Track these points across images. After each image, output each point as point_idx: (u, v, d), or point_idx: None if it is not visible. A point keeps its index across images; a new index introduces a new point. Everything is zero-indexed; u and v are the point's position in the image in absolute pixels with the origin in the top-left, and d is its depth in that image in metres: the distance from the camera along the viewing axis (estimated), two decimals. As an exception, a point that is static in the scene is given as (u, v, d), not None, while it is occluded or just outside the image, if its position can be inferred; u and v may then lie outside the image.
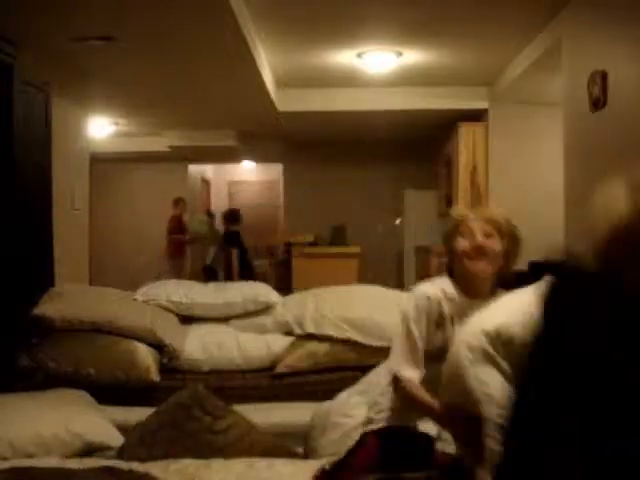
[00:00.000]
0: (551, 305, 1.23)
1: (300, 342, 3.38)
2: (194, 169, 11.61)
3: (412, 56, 6.13)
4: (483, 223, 2.06)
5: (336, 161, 10.22)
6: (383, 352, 3.15)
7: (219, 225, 10.05)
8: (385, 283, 4.31)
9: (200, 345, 3.38)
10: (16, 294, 3.52)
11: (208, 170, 12.86)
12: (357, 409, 2.53)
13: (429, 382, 1.97)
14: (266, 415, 2.88)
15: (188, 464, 2.18)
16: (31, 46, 4.40)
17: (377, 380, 2.69)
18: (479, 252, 2.03)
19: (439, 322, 2.06)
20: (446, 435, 1.98)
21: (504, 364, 1.57)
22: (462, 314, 1.99)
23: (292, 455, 2.43)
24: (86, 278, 5.74)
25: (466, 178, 7.62)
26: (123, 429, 2.57)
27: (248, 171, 13.33)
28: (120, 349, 3.18)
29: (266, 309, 3.56)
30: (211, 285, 3.88)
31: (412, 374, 2.01)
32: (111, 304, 3.41)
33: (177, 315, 3.57)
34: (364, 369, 2.96)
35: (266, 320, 3.52)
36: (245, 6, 4.67)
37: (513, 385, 1.45)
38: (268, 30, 5.33)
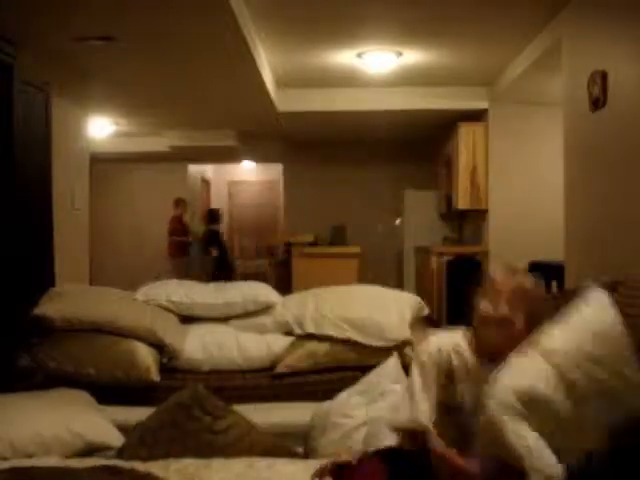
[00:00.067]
0: None
1: (300, 342, 3.38)
2: (194, 169, 11.61)
3: (412, 56, 6.13)
4: (510, 292, 1.98)
5: (336, 161, 10.22)
6: (383, 352, 3.16)
7: (200, 225, 10.13)
8: (385, 283, 4.31)
9: (200, 345, 3.37)
10: (16, 294, 3.52)
11: (208, 170, 12.87)
12: (357, 409, 2.53)
13: (453, 441, 1.94)
14: (266, 415, 2.88)
15: (188, 464, 2.18)
16: (31, 46, 4.40)
17: (377, 380, 2.69)
18: (498, 322, 1.97)
19: (448, 375, 2.02)
20: None
21: (536, 420, 1.68)
22: (471, 374, 2.00)
23: (292, 455, 2.43)
24: (86, 278, 5.74)
25: (466, 178, 7.63)
26: (123, 429, 2.57)
27: (248, 171, 13.33)
28: (120, 349, 3.18)
29: (266, 309, 3.56)
30: (211, 285, 3.88)
31: (427, 406, 1.98)
32: (111, 304, 3.41)
33: (177, 315, 3.57)
34: (364, 369, 2.96)
35: (266, 320, 3.51)
36: (245, 6, 4.67)
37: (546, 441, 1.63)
38: (268, 30, 5.33)
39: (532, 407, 1.68)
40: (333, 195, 10.23)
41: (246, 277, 10.06)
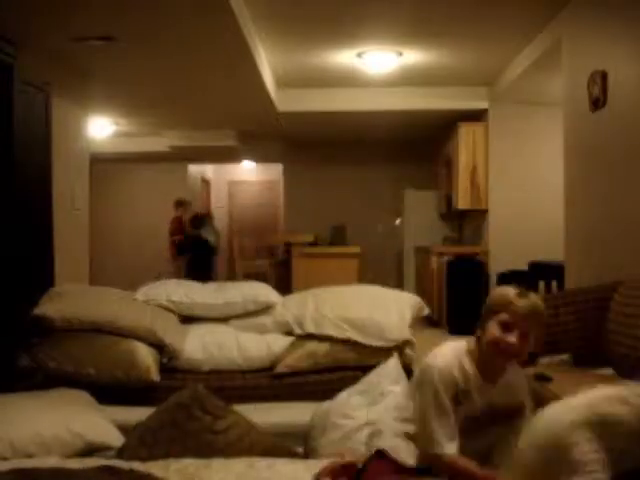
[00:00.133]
0: None
1: (300, 342, 3.38)
2: (194, 169, 11.61)
3: (412, 56, 6.13)
4: (524, 318, 1.97)
5: (336, 161, 10.23)
6: (383, 352, 3.16)
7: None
8: (385, 283, 4.31)
9: (200, 345, 3.37)
10: (16, 294, 3.52)
11: (208, 170, 12.87)
12: (357, 410, 2.53)
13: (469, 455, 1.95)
14: (266, 415, 2.88)
15: (188, 464, 2.18)
16: (31, 46, 4.40)
17: (377, 380, 2.69)
18: (510, 350, 1.98)
19: (454, 398, 2.01)
20: None
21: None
22: (475, 393, 2.00)
23: (292, 455, 2.43)
24: (86, 278, 5.74)
25: (466, 178, 7.63)
26: (123, 429, 2.57)
27: (248, 171, 13.33)
28: (120, 349, 3.17)
29: (266, 309, 3.56)
30: (211, 285, 3.88)
31: (454, 448, 1.94)
32: (111, 304, 3.41)
33: (177, 315, 3.57)
34: (364, 369, 2.97)
35: (266, 320, 3.51)
36: (245, 6, 4.67)
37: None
38: (268, 30, 5.33)
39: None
40: (333, 195, 10.24)
41: (246, 277, 10.07)
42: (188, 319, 3.58)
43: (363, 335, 3.31)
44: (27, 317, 3.20)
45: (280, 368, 3.31)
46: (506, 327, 1.98)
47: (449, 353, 2.06)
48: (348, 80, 7.05)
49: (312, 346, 3.34)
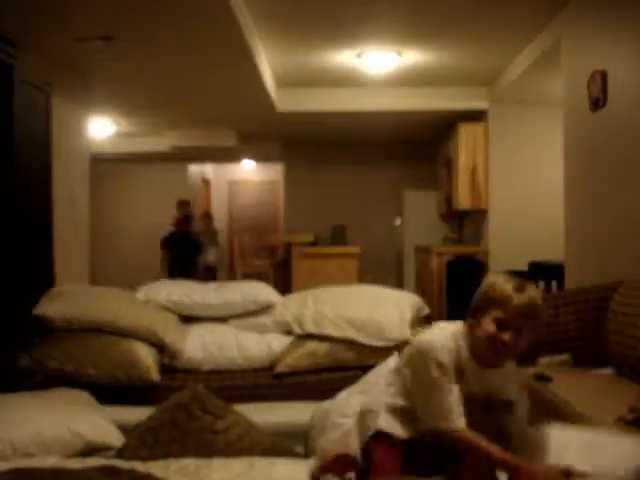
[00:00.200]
0: None
1: (300, 342, 3.38)
2: (194, 169, 11.62)
3: (412, 56, 6.13)
4: (521, 316, 1.96)
5: (336, 161, 10.22)
6: (383, 352, 3.16)
7: (200, 225, 10.21)
8: (385, 283, 4.31)
9: (200, 345, 3.38)
10: (16, 294, 3.52)
11: (208, 170, 12.87)
12: (357, 409, 2.53)
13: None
14: (266, 415, 2.88)
15: (189, 463, 2.18)
16: (31, 46, 4.41)
17: (377, 380, 2.69)
18: (503, 348, 1.97)
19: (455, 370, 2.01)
20: None
21: None
22: (470, 376, 2.00)
23: (292, 455, 2.43)
24: (86, 278, 5.74)
25: (466, 178, 7.63)
26: (123, 429, 2.57)
27: (248, 171, 13.33)
28: (120, 349, 3.18)
29: (266, 309, 3.56)
30: (211, 285, 3.88)
31: (463, 423, 1.92)
32: (111, 304, 3.41)
33: (177, 315, 3.57)
34: (364, 369, 2.96)
35: (266, 320, 3.52)
36: (245, 6, 4.67)
37: None
38: (268, 30, 5.33)
39: None
40: (333, 195, 10.23)
41: (246, 277, 10.06)
42: (188, 319, 3.59)
43: (363, 335, 3.31)
44: (27, 317, 3.20)
45: (280, 368, 3.31)
46: (501, 324, 1.97)
47: (447, 330, 2.07)
48: (348, 80, 7.05)
49: (312, 346, 3.34)
